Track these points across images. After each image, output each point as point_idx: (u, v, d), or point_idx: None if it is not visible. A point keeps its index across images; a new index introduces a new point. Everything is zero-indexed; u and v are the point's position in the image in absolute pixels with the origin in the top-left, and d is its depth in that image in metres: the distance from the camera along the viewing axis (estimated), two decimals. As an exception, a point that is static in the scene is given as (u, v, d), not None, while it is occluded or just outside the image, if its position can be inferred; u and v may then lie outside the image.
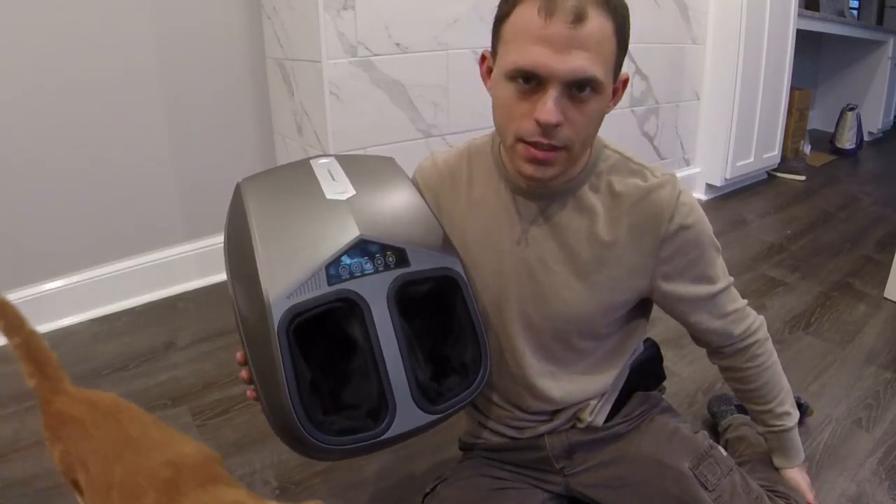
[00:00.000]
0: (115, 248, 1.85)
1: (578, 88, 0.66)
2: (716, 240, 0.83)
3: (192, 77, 1.85)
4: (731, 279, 0.86)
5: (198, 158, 1.93)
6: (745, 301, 0.88)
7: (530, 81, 0.67)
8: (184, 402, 1.40)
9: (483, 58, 0.76)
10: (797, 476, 0.95)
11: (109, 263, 1.85)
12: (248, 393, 0.72)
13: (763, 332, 0.90)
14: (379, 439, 0.66)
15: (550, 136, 0.68)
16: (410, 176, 0.88)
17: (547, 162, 0.70)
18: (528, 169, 0.71)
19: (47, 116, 1.65)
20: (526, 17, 0.65)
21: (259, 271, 0.66)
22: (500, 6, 0.70)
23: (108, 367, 1.55)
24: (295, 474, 1.17)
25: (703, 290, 0.83)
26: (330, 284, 0.66)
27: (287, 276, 0.65)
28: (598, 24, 0.65)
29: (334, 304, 0.66)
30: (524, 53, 0.65)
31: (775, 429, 0.93)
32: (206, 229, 1.98)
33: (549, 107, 0.65)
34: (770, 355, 0.91)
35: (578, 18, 0.63)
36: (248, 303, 0.68)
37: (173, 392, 1.44)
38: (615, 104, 0.75)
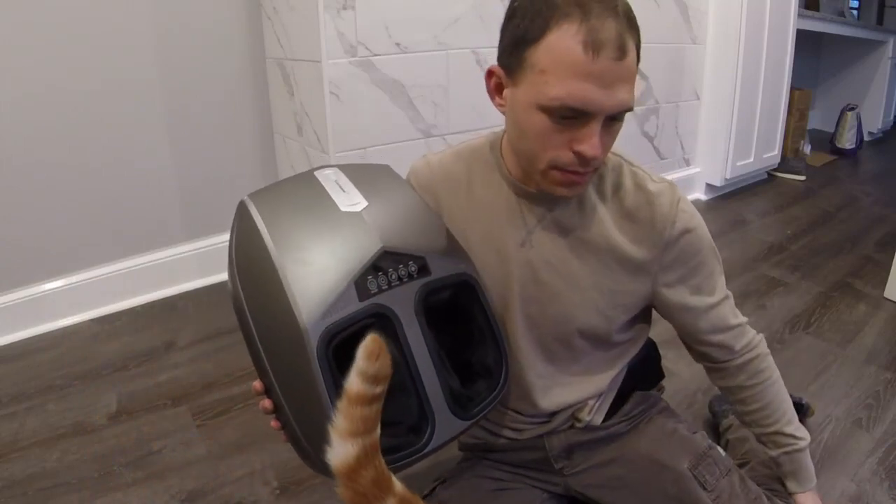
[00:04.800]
0: (115, 248, 1.86)
1: (615, 117, 0.68)
2: (717, 250, 0.83)
3: (192, 77, 1.85)
4: (730, 294, 0.86)
5: (198, 158, 1.93)
6: (746, 319, 0.88)
7: (573, 114, 0.65)
8: (184, 402, 1.40)
9: (490, 73, 0.74)
10: (809, 502, 0.91)
11: (109, 263, 1.85)
12: (273, 423, 0.70)
13: (763, 348, 0.89)
14: (422, 453, 0.65)
15: (589, 165, 0.69)
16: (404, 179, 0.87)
17: (582, 183, 0.73)
18: (562, 191, 0.73)
19: (47, 116, 1.65)
20: (567, 49, 0.62)
21: (288, 294, 0.62)
22: (521, 27, 0.66)
23: (109, 367, 1.55)
24: (295, 474, 1.17)
25: (703, 300, 0.83)
26: (361, 300, 0.63)
27: (317, 296, 0.61)
28: (633, 53, 0.65)
29: (368, 321, 0.63)
30: (571, 90, 0.63)
31: (789, 448, 0.89)
32: (206, 229, 1.98)
33: (595, 142, 0.66)
34: (773, 371, 0.89)
35: (622, 53, 0.63)
36: (274, 327, 0.64)
37: (173, 392, 1.44)
38: None
